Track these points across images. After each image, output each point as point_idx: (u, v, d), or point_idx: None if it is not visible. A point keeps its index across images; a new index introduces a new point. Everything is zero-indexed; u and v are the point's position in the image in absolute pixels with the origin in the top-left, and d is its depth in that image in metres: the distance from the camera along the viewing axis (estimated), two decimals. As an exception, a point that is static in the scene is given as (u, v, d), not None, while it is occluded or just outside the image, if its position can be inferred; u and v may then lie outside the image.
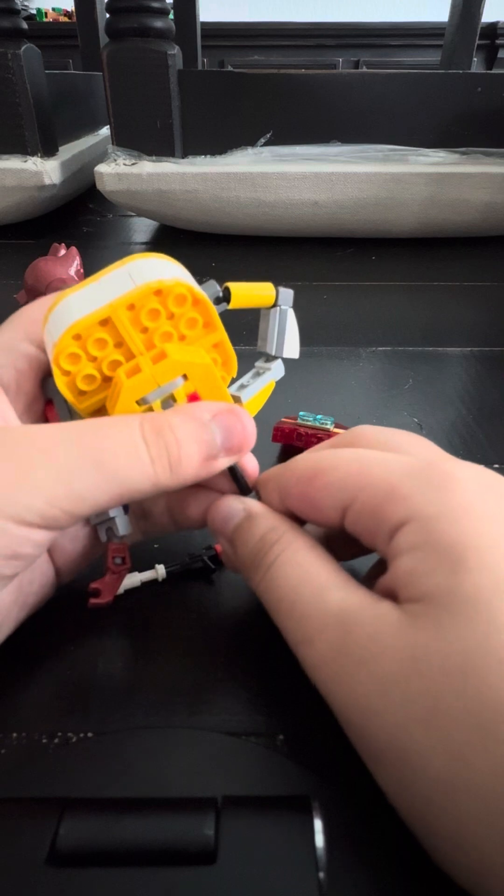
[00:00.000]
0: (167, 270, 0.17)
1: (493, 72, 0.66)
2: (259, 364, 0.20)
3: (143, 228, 0.66)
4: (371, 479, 0.16)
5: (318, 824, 0.12)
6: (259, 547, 0.17)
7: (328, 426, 0.28)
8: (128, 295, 0.16)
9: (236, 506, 0.19)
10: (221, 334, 0.18)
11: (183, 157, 0.55)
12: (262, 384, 0.20)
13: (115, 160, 0.55)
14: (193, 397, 0.17)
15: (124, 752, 0.16)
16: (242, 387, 0.20)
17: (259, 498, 0.19)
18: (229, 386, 0.20)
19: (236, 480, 0.19)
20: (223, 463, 0.17)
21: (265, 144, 0.55)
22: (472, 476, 0.15)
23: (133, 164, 0.54)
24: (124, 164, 0.54)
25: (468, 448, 0.30)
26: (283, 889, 0.11)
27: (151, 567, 0.21)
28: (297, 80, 0.53)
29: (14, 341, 0.19)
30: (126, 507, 0.19)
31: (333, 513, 0.16)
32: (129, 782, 0.15)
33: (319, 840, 0.12)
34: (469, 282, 0.51)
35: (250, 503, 0.19)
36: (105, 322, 0.16)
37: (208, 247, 0.59)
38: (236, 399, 0.19)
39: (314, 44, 1.94)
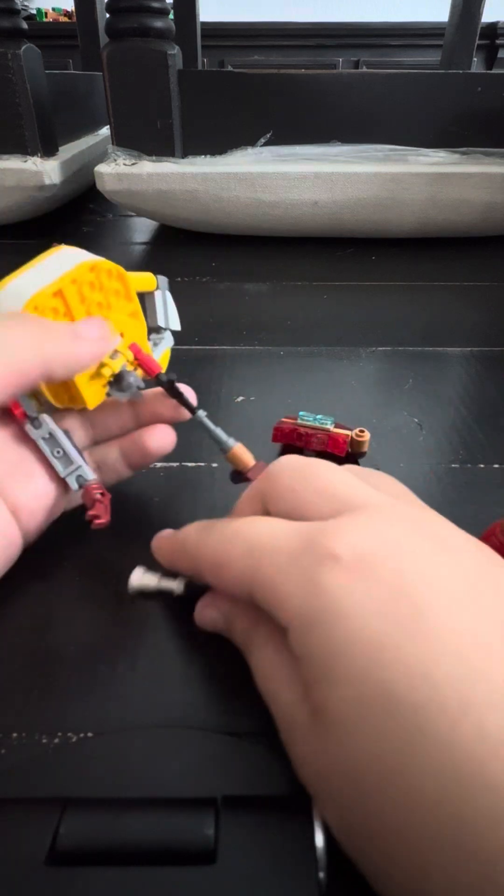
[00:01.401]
0: (89, 255, 0.21)
1: (493, 72, 0.66)
2: (153, 336, 0.25)
3: (143, 228, 0.66)
4: (259, 577, 0.16)
5: (317, 824, 0.12)
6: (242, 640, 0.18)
7: (328, 426, 0.28)
8: (71, 271, 0.20)
9: (212, 615, 0.19)
10: (136, 304, 0.23)
11: (183, 157, 0.55)
12: (162, 351, 0.25)
13: (115, 160, 0.55)
14: (134, 347, 0.22)
15: (124, 752, 0.16)
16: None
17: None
18: None
19: (183, 402, 0.23)
20: (78, 345, 0.19)
21: (265, 144, 0.55)
22: (352, 553, 0.14)
23: (133, 164, 0.54)
24: (124, 164, 0.54)
25: (468, 448, 0.30)
26: (283, 889, 0.11)
27: (175, 577, 0.21)
28: (297, 80, 0.53)
29: None
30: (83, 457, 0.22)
31: (246, 600, 0.17)
32: (129, 782, 0.15)
33: (319, 840, 0.12)
34: (469, 282, 0.51)
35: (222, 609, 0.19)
36: (57, 293, 0.19)
37: (208, 247, 0.59)
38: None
39: (314, 44, 1.94)
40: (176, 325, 0.26)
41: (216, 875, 0.11)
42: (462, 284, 0.51)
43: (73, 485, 0.21)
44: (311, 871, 0.11)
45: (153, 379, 0.22)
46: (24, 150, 0.56)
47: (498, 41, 1.88)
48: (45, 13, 2.13)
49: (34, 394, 0.21)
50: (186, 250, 0.59)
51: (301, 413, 0.29)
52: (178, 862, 0.11)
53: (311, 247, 0.59)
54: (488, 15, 0.85)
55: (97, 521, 0.21)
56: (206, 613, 0.19)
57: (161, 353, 0.25)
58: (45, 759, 0.16)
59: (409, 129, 0.55)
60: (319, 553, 0.15)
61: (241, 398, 0.34)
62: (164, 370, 0.23)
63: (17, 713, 0.17)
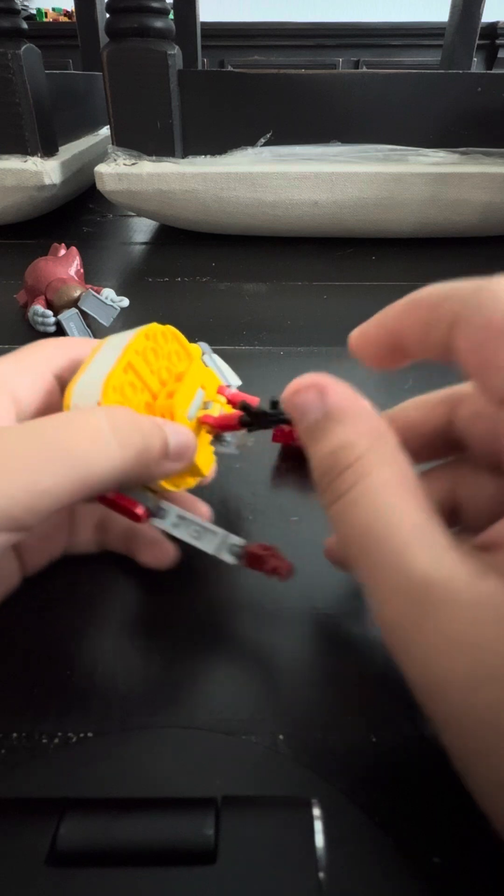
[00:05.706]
0: (138, 329, 0.20)
1: (493, 72, 0.66)
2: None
3: (143, 228, 0.66)
4: None
5: (318, 824, 0.12)
6: (329, 466, 0.14)
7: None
8: (130, 343, 0.19)
9: (311, 400, 0.15)
10: (198, 360, 0.22)
11: (183, 157, 0.55)
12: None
13: (115, 160, 0.55)
14: (222, 389, 0.22)
15: (124, 752, 0.16)
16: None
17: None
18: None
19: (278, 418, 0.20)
20: (169, 467, 0.17)
21: (265, 144, 0.55)
22: None
23: (133, 164, 0.54)
24: (124, 164, 0.54)
25: (468, 448, 0.29)
26: (283, 889, 0.11)
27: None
28: (297, 80, 0.53)
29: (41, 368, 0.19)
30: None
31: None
32: (129, 782, 0.15)
33: (319, 840, 0.12)
34: (469, 282, 0.51)
35: (335, 393, 0.15)
36: (127, 368, 0.19)
37: (208, 247, 0.59)
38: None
39: (314, 44, 1.94)
40: (236, 380, 0.24)
41: (216, 875, 0.11)
42: (462, 284, 0.51)
43: (231, 559, 0.19)
44: (311, 871, 0.11)
45: (254, 413, 0.20)
46: (24, 150, 0.56)
47: (498, 41, 1.88)
48: (45, 13, 2.13)
49: (145, 486, 0.19)
50: (186, 250, 0.58)
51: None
52: (178, 862, 0.11)
53: (311, 247, 0.59)
54: (488, 15, 0.85)
55: (282, 577, 0.19)
56: (304, 395, 0.15)
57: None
58: (45, 759, 0.16)
59: (409, 129, 0.55)
60: None
61: (241, 398, 0.34)
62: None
63: (17, 713, 0.17)
